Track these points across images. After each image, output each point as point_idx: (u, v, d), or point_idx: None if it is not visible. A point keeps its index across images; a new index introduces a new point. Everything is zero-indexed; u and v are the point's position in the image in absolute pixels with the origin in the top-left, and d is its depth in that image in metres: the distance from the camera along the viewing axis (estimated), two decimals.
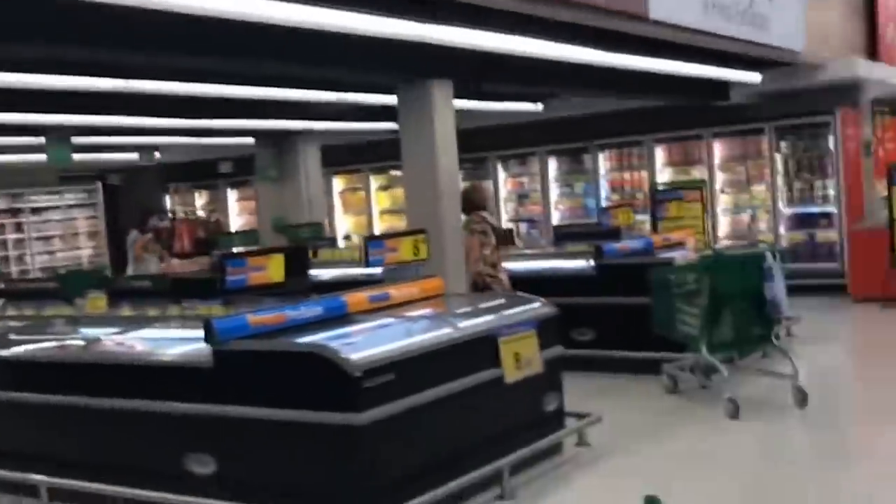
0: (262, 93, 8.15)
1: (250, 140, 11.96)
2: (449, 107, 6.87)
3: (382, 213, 14.55)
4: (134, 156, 13.12)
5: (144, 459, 4.77)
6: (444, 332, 4.68)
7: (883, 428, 5.65)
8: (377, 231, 13.85)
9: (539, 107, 11.16)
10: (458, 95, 7.42)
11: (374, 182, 14.60)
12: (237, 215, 16.00)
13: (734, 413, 5.87)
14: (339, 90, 8.46)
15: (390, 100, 8.97)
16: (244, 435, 4.34)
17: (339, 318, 4.91)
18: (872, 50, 12.08)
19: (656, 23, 7.05)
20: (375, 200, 14.57)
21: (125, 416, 4.78)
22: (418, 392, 4.31)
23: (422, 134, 6.73)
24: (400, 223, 13.93)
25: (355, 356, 4.09)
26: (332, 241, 10.23)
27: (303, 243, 8.08)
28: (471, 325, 4.86)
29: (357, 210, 14.85)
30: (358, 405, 4.02)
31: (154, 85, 7.12)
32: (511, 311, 5.15)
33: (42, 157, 9.97)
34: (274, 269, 4.87)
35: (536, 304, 5.29)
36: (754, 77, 10.05)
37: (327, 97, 8.66)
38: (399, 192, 14.24)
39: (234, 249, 9.66)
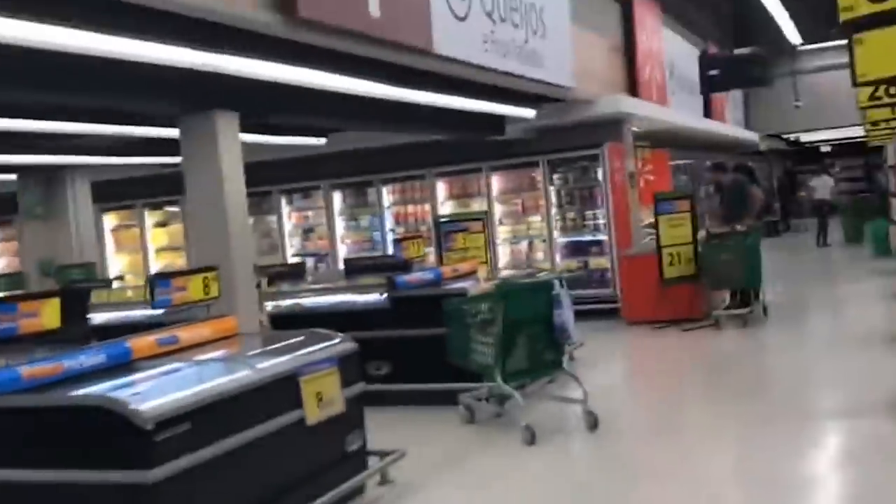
0: (26, 125, 7.52)
1: (12, 176, 11.08)
2: (235, 139, 6.63)
3: (159, 250, 13.87)
4: None
5: None
6: (241, 375, 4.43)
7: (671, 445, 5.95)
8: (154, 269, 13.19)
9: (322, 141, 11.08)
10: (243, 128, 7.20)
11: (150, 218, 13.91)
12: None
13: (531, 440, 5.97)
14: (114, 122, 7.98)
15: (167, 132, 8.60)
16: (21, 501, 3.89)
17: (124, 365, 4.55)
18: (633, 88, 12.95)
19: (440, 57, 7.18)
20: (151, 237, 13.87)
21: None
22: (216, 442, 4.04)
23: (207, 167, 6.45)
24: (179, 261, 13.35)
25: (145, 407, 3.77)
26: (107, 283, 9.61)
27: (72, 286, 7.50)
28: (269, 365, 4.64)
29: (131, 248, 14.07)
30: (150, 461, 3.70)
31: None
32: (311, 349, 4.97)
33: None
34: (48, 315, 4.44)
35: (336, 340, 5.14)
36: (529, 112, 10.47)
37: (100, 129, 8.15)
38: (176, 228, 13.68)
39: None
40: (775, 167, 28.02)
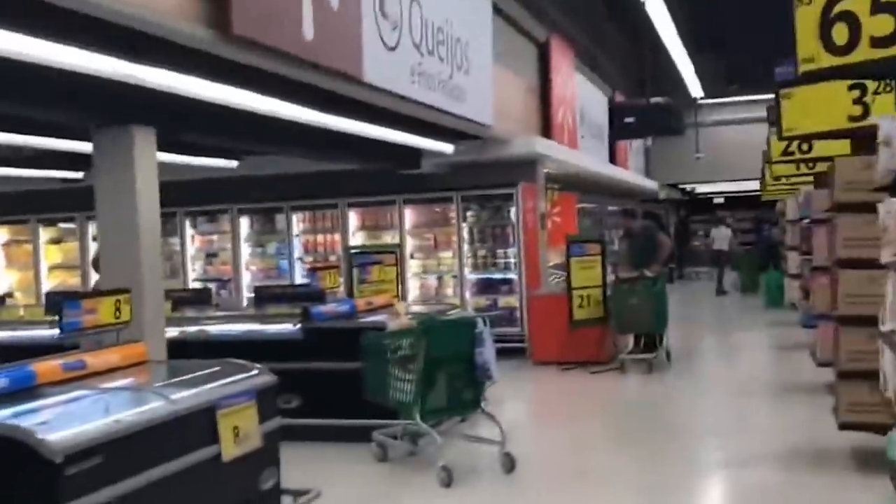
0: None
1: None
2: (152, 156, 6.31)
3: (52, 268, 13.20)
4: None
5: None
6: (155, 406, 4.15)
7: (580, 490, 5.93)
8: (46, 288, 12.57)
9: (233, 164, 10.78)
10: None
11: (44, 234, 13.24)
12: None
13: (448, 481, 5.82)
14: (14, 131, 7.53)
15: (71, 145, 8.21)
16: None
17: (27, 390, 4.22)
18: (546, 130, 13.07)
19: (369, 86, 7.05)
20: (44, 255, 13.19)
21: None
22: (128, 477, 3.75)
23: (121, 184, 6.09)
24: (72, 280, 12.76)
25: (54, 438, 3.47)
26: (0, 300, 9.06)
27: None
28: (185, 396, 4.36)
29: (22, 265, 13.35)
30: (58, 496, 3.40)
31: None
32: (228, 381, 4.70)
33: None
34: None
35: (254, 372, 4.89)
36: (448, 147, 10.43)
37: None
38: (71, 246, 13.08)
39: None
40: (671, 216, 28.81)
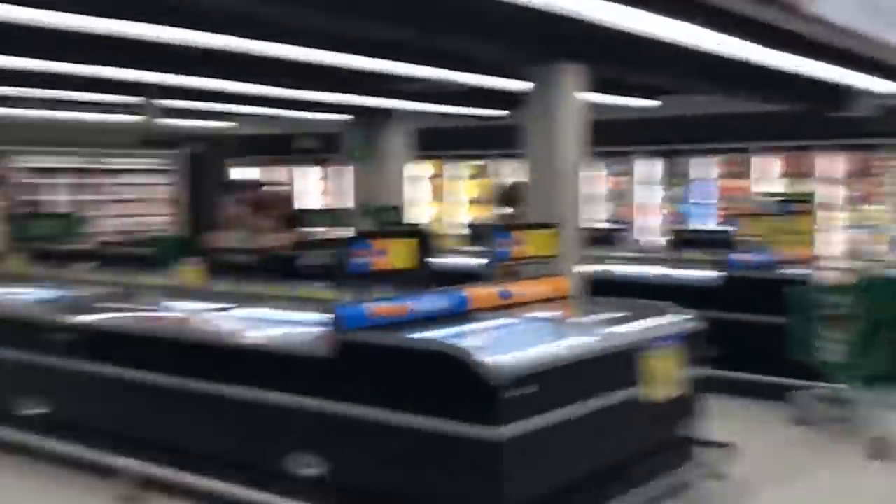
0: (363, 63, 7.46)
1: (335, 116, 11.54)
2: (582, 94, 6.28)
3: (470, 202, 14.07)
4: (212, 124, 12.86)
5: (238, 452, 4.33)
6: (585, 341, 4.15)
7: None
8: (465, 220, 13.42)
9: (656, 103, 10.56)
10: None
11: (464, 170, 14.12)
12: (319, 194, 15.63)
13: (879, 454, 5.25)
14: (447, 67, 7.89)
15: (498, 83, 8.49)
16: (360, 438, 3.86)
17: (462, 314, 4.43)
18: None
19: (809, 18, 6.41)
20: (463, 189, 14.08)
21: (223, 403, 4.33)
22: (557, 408, 3.78)
23: (553, 122, 6.13)
24: (487, 214, 13.46)
25: (493, 361, 3.58)
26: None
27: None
28: (612, 333, 4.32)
29: (439, 197, 14.38)
30: (497, 418, 3.51)
31: (245, 44, 6.50)
32: (654, 323, 4.59)
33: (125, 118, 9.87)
34: (398, 255, 4.39)
35: (683, 317, 4.72)
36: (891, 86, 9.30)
37: (436, 74, 8.11)
38: (486, 182, 13.79)
39: (319, 229, 9.31)
40: None
